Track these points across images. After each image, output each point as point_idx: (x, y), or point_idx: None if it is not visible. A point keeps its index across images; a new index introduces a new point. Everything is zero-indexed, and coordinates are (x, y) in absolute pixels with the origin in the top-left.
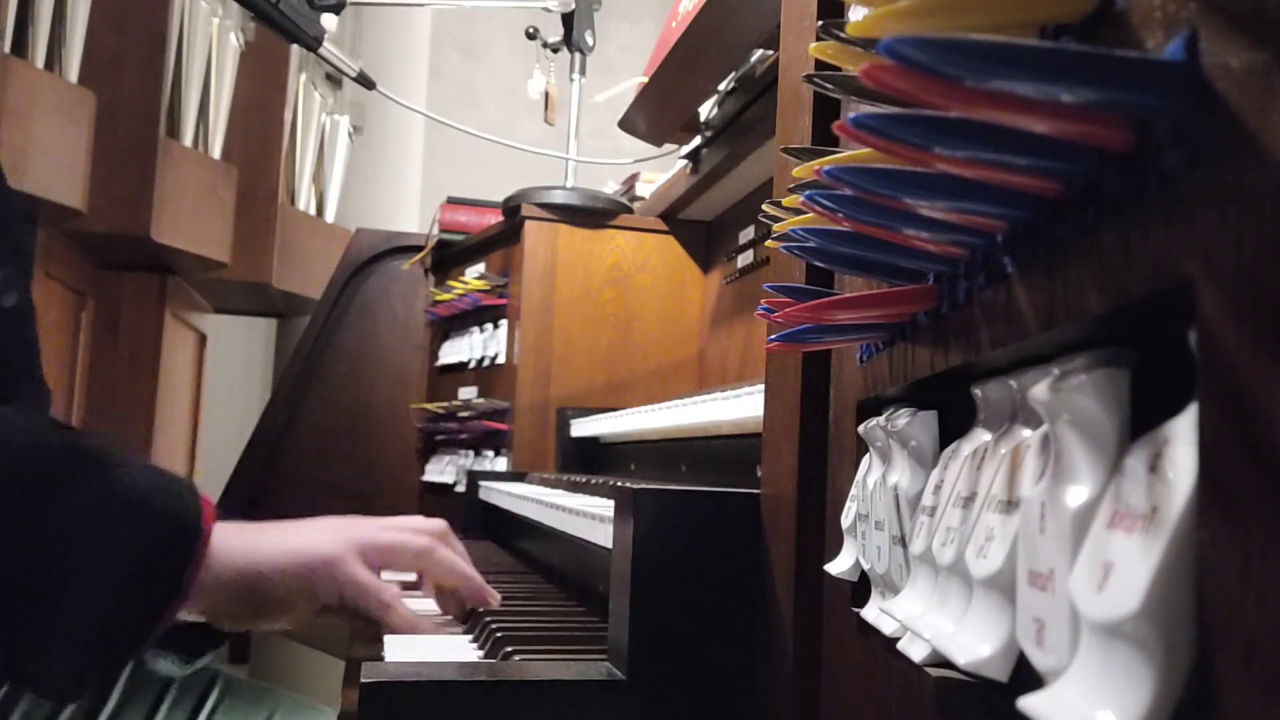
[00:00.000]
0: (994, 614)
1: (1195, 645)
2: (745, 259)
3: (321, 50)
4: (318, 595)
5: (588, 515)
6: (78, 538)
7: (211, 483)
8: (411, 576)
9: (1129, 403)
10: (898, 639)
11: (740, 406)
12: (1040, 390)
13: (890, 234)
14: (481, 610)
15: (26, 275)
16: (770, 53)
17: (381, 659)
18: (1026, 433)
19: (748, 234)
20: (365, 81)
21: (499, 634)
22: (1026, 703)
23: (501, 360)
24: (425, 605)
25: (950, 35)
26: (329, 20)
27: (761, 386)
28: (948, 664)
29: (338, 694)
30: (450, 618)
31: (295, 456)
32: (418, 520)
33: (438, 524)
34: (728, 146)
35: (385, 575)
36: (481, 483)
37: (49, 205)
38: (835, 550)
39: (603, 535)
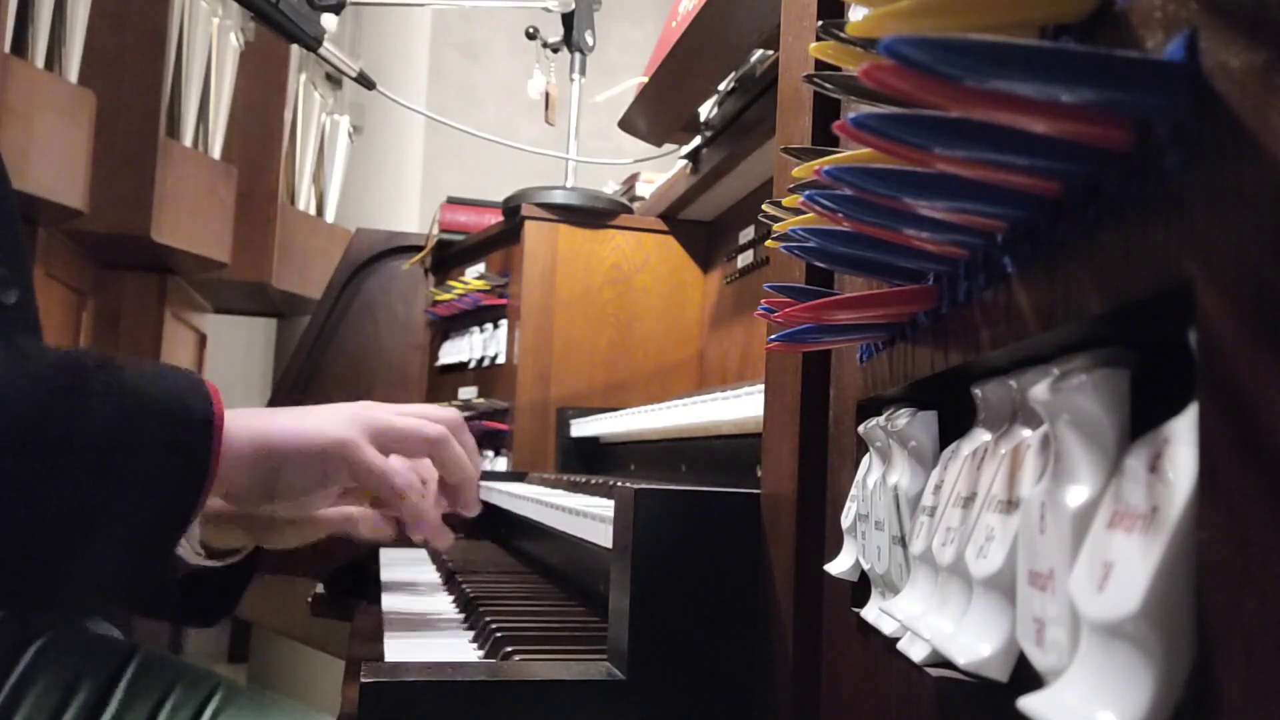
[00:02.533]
0: (994, 614)
1: (1195, 645)
2: (745, 259)
3: (321, 50)
4: (330, 477)
5: (588, 515)
6: (102, 443)
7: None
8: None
9: (1129, 403)
10: (898, 639)
11: (740, 406)
12: (1040, 390)
13: (890, 234)
14: (481, 609)
15: (26, 273)
16: (770, 53)
17: (381, 659)
18: (1026, 433)
19: (748, 234)
20: (365, 81)
21: (499, 634)
22: (1026, 703)
23: (501, 360)
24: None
25: (950, 35)
26: (329, 20)
27: (761, 386)
28: (948, 664)
29: (338, 694)
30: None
31: None
32: (432, 408)
33: (451, 414)
34: (728, 146)
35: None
36: (481, 483)
37: (49, 205)
38: (835, 550)
39: (603, 535)
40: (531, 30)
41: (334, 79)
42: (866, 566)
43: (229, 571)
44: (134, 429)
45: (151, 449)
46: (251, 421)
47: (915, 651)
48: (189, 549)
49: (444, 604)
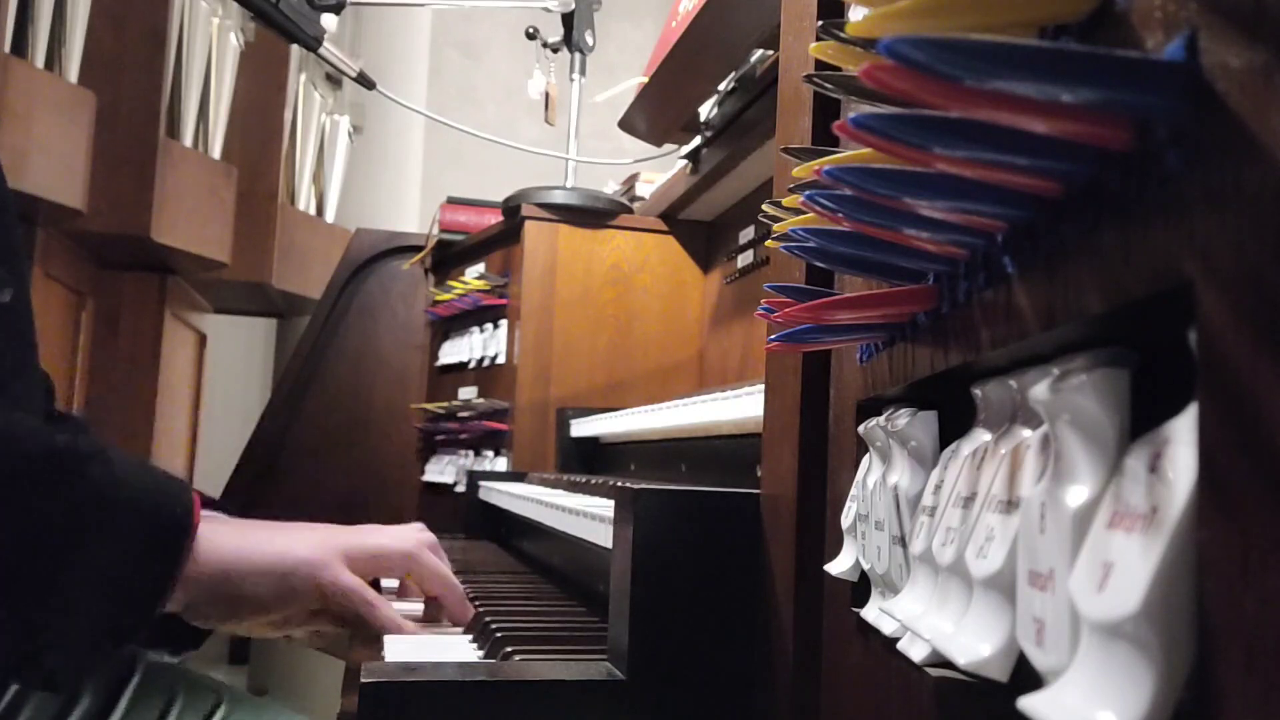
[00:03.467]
0: (994, 614)
1: (1195, 645)
2: (745, 259)
3: (321, 50)
4: (298, 597)
5: (588, 515)
6: (72, 536)
7: (211, 483)
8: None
9: (1129, 403)
10: (898, 639)
11: (740, 406)
12: (1040, 390)
13: (890, 234)
14: (481, 609)
15: (22, 273)
16: (770, 53)
17: (381, 659)
18: (1026, 433)
19: (748, 234)
20: (365, 81)
21: (499, 634)
22: (1026, 703)
23: (501, 360)
24: (412, 608)
25: (950, 35)
26: (329, 20)
27: (761, 386)
28: (948, 664)
29: (338, 694)
30: (437, 622)
31: (295, 456)
32: (405, 529)
33: (422, 534)
34: (728, 146)
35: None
36: (481, 483)
37: (49, 205)
38: (835, 550)
39: (603, 535)
40: (531, 30)
41: (334, 79)
42: (866, 566)
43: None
44: (101, 531)
45: (116, 553)
46: (222, 539)
47: (915, 651)
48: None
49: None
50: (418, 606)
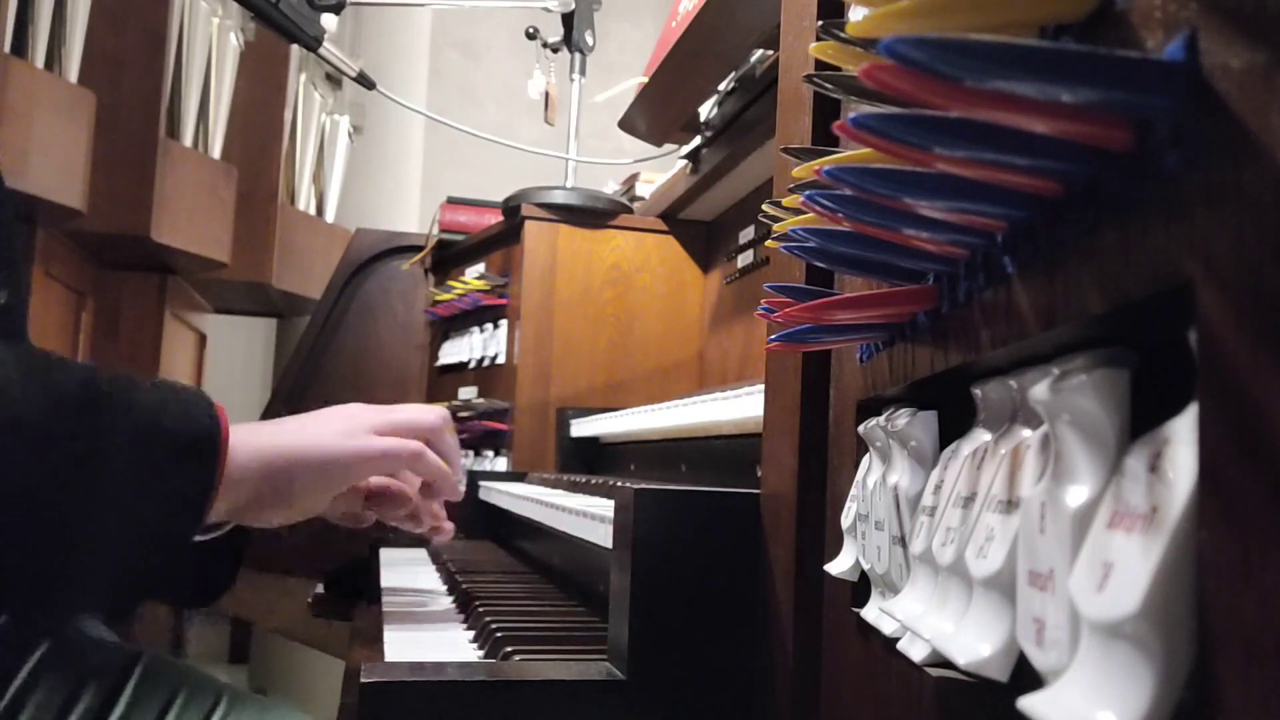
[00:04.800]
0: (994, 614)
1: (1195, 645)
2: (745, 259)
3: (321, 50)
4: (347, 478)
5: (587, 515)
6: (113, 460)
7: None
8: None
9: (1129, 403)
10: (898, 639)
11: (740, 406)
12: (1040, 390)
13: (890, 234)
14: (481, 609)
15: (20, 275)
16: (770, 53)
17: (381, 659)
18: (1026, 433)
19: (748, 234)
20: (365, 81)
21: (499, 634)
22: (1026, 703)
23: (501, 360)
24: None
25: (950, 35)
26: (329, 20)
27: (761, 386)
28: (948, 664)
29: (338, 694)
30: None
31: None
32: (418, 406)
33: (440, 410)
34: (728, 146)
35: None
36: (481, 483)
37: (49, 205)
38: (835, 550)
39: (603, 535)
40: (531, 30)
41: (334, 79)
42: (866, 566)
43: (219, 548)
44: (143, 446)
45: (159, 465)
46: (254, 438)
47: (915, 651)
48: None
49: (444, 604)
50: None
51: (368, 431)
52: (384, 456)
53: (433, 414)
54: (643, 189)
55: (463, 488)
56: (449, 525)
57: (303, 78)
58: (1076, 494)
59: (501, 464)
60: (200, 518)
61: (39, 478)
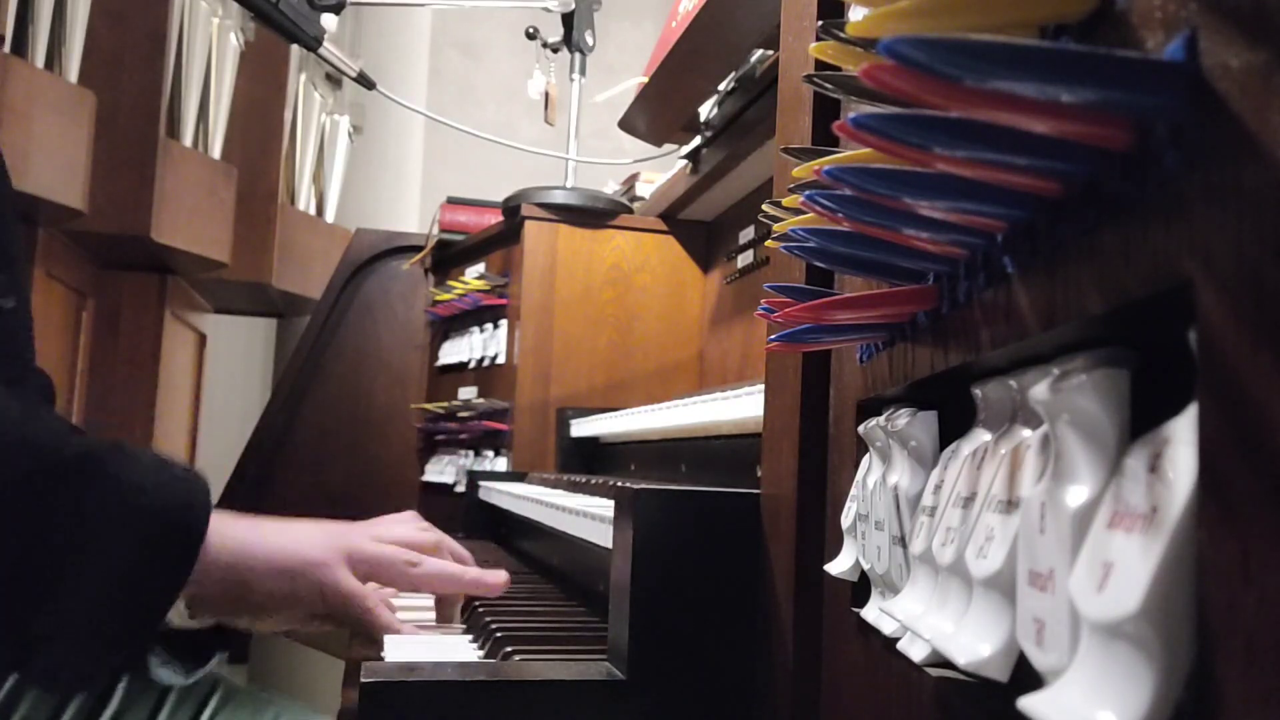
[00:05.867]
0: (994, 614)
1: (1195, 645)
2: (745, 259)
3: (321, 50)
4: (301, 599)
5: (588, 515)
6: (87, 535)
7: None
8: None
9: (1129, 403)
10: (898, 639)
11: (740, 406)
12: (1040, 390)
13: (890, 234)
14: (481, 609)
15: (22, 279)
16: (770, 53)
17: (381, 659)
18: (1026, 433)
19: (748, 234)
20: (365, 81)
21: (499, 634)
22: (1026, 703)
23: (501, 360)
24: (422, 603)
25: (950, 35)
26: (329, 20)
27: (761, 386)
28: (948, 664)
29: (337, 694)
30: (436, 623)
31: (295, 456)
32: (411, 531)
33: (434, 537)
34: (728, 146)
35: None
36: (481, 483)
37: (49, 205)
38: (835, 550)
39: (603, 535)
40: (531, 30)
41: (334, 79)
42: (866, 566)
43: (206, 632)
44: (115, 530)
45: (130, 552)
46: (231, 534)
47: (915, 651)
48: (174, 611)
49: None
50: (428, 600)
51: (343, 561)
52: (342, 599)
53: (406, 554)
54: (643, 189)
55: (498, 579)
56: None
57: (303, 78)
58: (1076, 494)
59: (501, 464)
60: (171, 598)
61: (20, 538)
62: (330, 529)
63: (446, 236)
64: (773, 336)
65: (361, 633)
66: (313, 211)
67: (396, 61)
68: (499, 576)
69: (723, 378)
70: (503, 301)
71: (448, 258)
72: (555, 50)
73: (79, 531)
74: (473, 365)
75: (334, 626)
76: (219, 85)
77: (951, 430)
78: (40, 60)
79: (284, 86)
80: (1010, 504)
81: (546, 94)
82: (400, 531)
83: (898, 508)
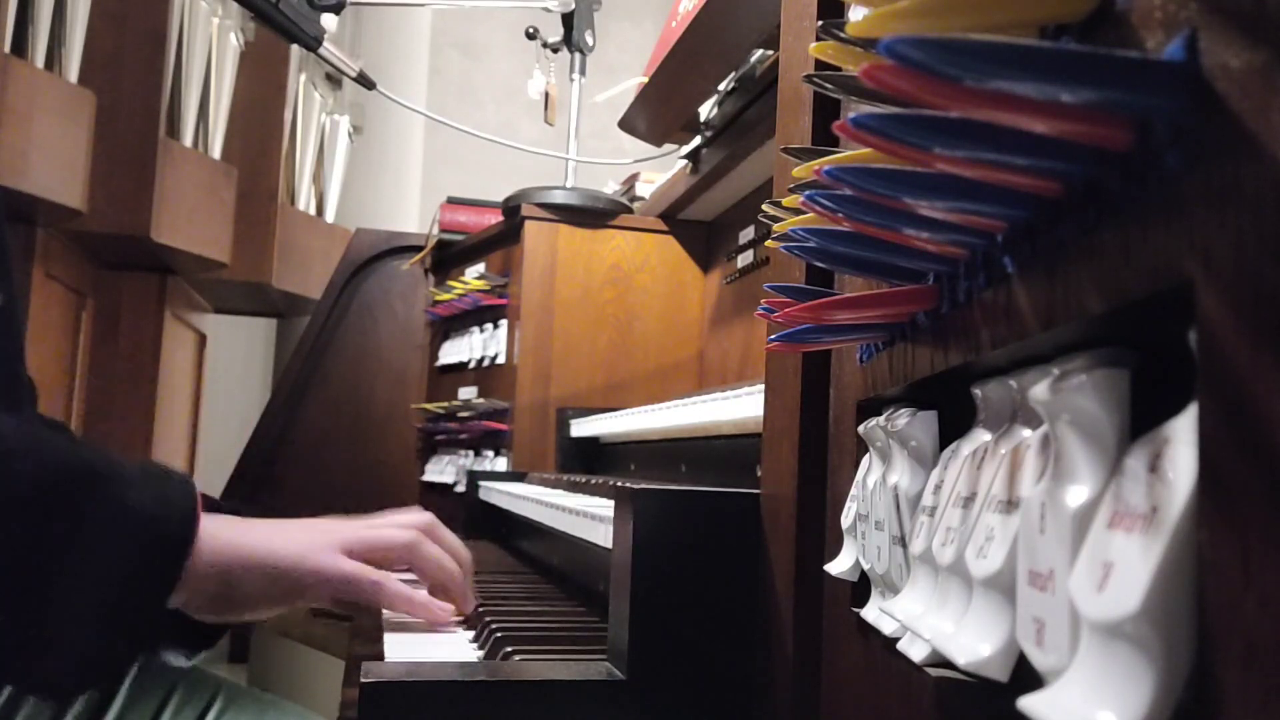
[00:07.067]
0: (994, 614)
1: (1195, 645)
2: (745, 259)
3: (321, 50)
4: (302, 595)
5: (587, 515)
6: (76, 549)
7: (211, 483)
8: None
9: (1129, 403)
10: (898, 639)
11: (740, 406)
12: (1040, 390)
13: (890, 234)
14: (481, 609)
15: (13, 276)
16: (770, 53)
17: (381, 659)
18: (1026, 433)
19: (748, 234)
20: (365, 81)
21: (499, 634)
22: (1026, 703)
23: (501, 360)
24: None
25: (950, 35)
26: (329, 20)
27: (761, 386)
28: (948, 664)
29: (337, 694)
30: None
31: (295, 456)
32: (401, 515)
33: (423, 518)
34: (728, 146)
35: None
36: (481, 483)
37: (49, 205)
38: (835, 550)
39: (602, 535)
40: (531, 30)
41: (334, 79)
42: (866, 566)
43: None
44: (105, 543)
45: (120, 563)
46: (223, 537)
47: (915, 651)
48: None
49: (445, 604)
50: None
51: (337, 550)
52: (345, 582)
53: (406, 534)
54: (643, 189)
55: (469, 600)
56: (446, 608)
57: (303, 78)
58: (1076, 494)
59: (501, 464)
60: (160, 607)
61: (12, 551)
62: (321, 524)
63: (446, 236)
64: (773, 336)
65: (377, 607)
66: (313, 211)
67: (396, 61)
68: (471, 603)
69: (723, 378)
70: (503, 301)
71: (448, 258)
72: (555, 50)
73: (72, 545)
74: (473, 365)
75: (341, 612)
76: (219, 85)
77: (951, 430)
78: (40, 60)
79: (284, 86)
80: (1010, 504)
81: (546, 94)
82: (391, 516)
83: (898, 508)
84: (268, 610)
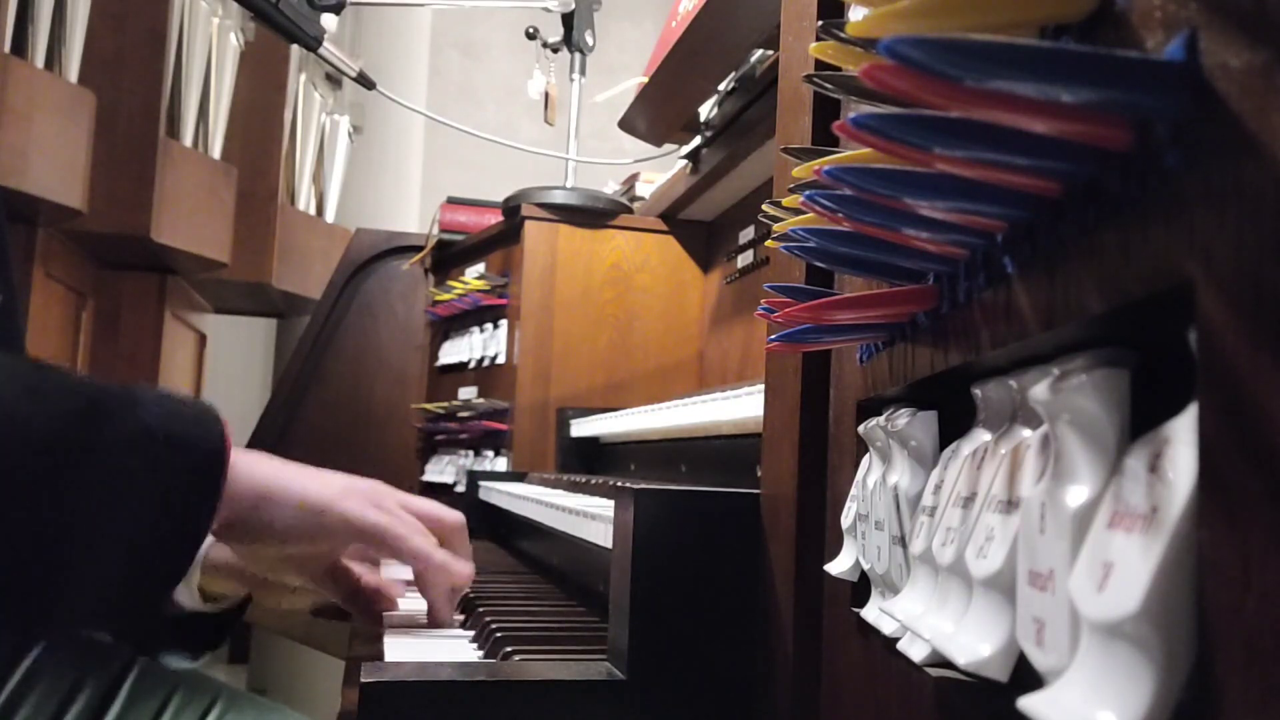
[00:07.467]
0: (994, 614)
1: (1195, 645)
2: (745, 259)
3: (321, 50)
4: (329, 537)
5: (587, 515)
6: (111, 479)
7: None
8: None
9: (1129, 403)
10: (898, 639)
11: (740, 406)
12: (1040, 390)
13: (890, 234)
14: (481, 609)
15: (11, 275)
16: (770, 53)
17: (381, 659)
18: (1026, 433)
19: (748, 234)
20: (365, 81)
21: (499, 634)
22: (1026, 703)
23: (501, 360)
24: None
25: (950, 35)
26: (329, 20)
27: (761, 386)
28: (948, 664)
29: (338, 694)
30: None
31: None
32: (433, 508)
33: (456, 516)
34: (728, 146)
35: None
36: (481, 483)
37: (49, 205)
38: (835, 550)
39: (603, 535)
40: (531, 30)
41: (334, 79)
42: (866, 566)
43: (220, 613)
44: (138, 471)
45: (154, 492)
46: (257, 468)
47: (915, 651)
48: (186, 593)
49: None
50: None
51: (370, 501)
52: (374, 527)
53: (453, 514)
54: (643, 189)
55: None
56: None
57: (303, 78)
58: (1076, 494)
59: (501, 464)
60: (202, 533)
61: (36, 484)
62: (358, 481)
63: (446, 236)
64: (773, 336)
65: (397, 555)
66: (313, 211)
67: (396, 61)
68: (449, 617)
69: (723, 378)
70: (503, 301)
71: (448, 258)
72: (555, 50)
73: (106, 474)
74: (473, 365)
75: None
76: (219, 85)
77: (951, 430)
78: (40, 60)
79: (284, 86)
80: (1010, 504)
81: (546, 94)
82: (427, 507)
83: (898, 508)
84: (294, 545)
